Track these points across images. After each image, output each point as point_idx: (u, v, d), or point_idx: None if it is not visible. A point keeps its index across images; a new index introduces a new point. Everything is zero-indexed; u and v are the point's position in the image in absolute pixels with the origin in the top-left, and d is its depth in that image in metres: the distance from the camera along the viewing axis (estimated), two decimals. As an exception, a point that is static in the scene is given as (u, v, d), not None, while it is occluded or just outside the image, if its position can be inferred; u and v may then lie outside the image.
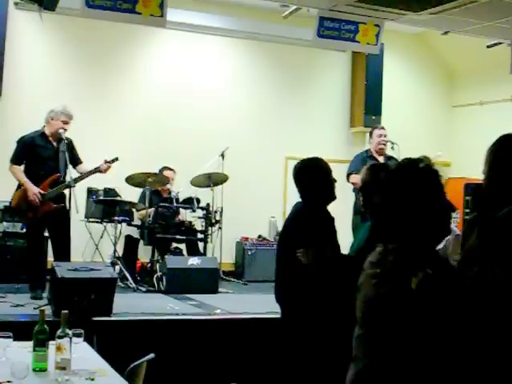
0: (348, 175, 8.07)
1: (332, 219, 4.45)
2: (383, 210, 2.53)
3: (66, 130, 7.23)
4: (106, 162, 7.35)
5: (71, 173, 7.21)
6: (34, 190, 7.07)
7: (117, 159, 7.50)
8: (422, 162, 2.47)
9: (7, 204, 7.57)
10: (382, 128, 8.65)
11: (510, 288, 2.26)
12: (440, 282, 2.31)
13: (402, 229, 2.44)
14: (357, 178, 6.98)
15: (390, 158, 8.23)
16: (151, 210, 8.65)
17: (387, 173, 2.58)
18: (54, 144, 7.27)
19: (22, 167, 7.24)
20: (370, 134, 8.65)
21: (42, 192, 7.10)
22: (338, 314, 4.10)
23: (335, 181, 4.51)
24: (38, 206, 7.07)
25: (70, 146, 7.32)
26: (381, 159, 8.15)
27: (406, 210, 2.43)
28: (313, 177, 4.43)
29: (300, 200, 4.53)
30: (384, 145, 8.38)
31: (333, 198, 4.48)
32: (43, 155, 7.23)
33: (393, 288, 2.33)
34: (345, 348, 4.06)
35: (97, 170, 7.38)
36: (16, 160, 7.22)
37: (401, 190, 2.47)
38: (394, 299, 2.33)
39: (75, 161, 7.40)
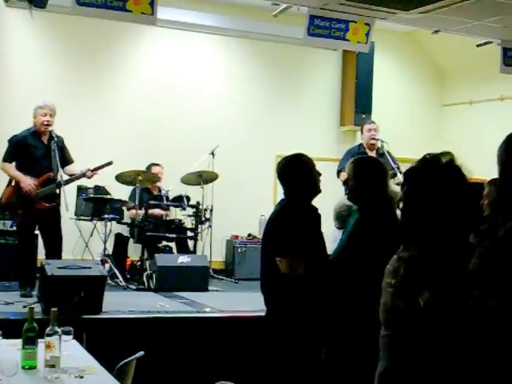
0: (338, 172, 8.07)
1: (318, 213, 4.43)
2: (405, 209, 2.47)
3: (49, 123, 7.12)
4: (90, 170, 7.30)
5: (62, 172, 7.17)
6: (28, 181, 7.00)
7: (111, 163, 7.49)
8: (444, 158, 2.42)
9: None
10: (372, 122, 8.67)
11: (509, 315, 2.23)
12: (445, 304, 2.30)
13: (424, 230, 2.39)
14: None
15: (381, 154, 8.20)
16: (141, 212, 8.60)
17: (407, 171, 2.52)
18: (45, 142, 7.18)
19: (14, 164, 7.16)
20: (361, 129, 8.67)
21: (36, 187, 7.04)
22: (320, 316, 4.15)
23: (320, 174, 4.49)
24: (30, 201, 6.98)
25: (60, 145, 7.25)
26: (372, 154, 8.10)
27: (429, 209, 2.38)
28: (297, 172, 4.40)
29: (284, 197, 4.49)
30: (375, 139, 8.37)
31: (318, 191, 4.45)
32: (35, 154, 7.14)
33: (404, 302, 2.35)
34: (328, 347, 4.13)
35: (83, 176, 7.35)
36: (9, 159, 7.16)
37: (424, 188, 2.41)
38: (405, 312, 2.35)
39: (65, 161, 7.28)
